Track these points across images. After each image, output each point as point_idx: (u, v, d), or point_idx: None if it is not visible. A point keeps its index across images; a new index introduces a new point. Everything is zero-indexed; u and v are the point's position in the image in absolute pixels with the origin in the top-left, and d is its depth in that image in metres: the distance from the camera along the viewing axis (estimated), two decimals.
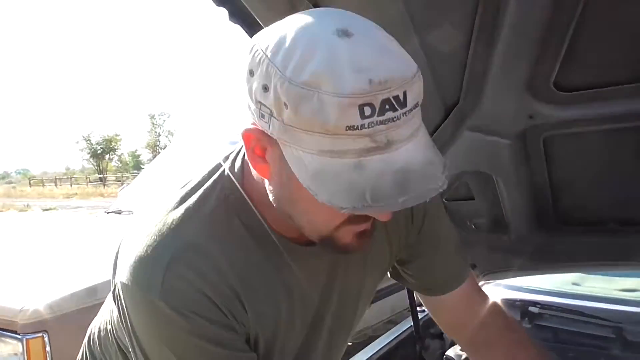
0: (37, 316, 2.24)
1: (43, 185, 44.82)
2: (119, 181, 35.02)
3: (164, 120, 57.58)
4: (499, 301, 1.09)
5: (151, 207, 0.82)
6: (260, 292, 0.80)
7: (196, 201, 0.78)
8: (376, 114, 0.58)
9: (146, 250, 0.74)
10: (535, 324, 1.67)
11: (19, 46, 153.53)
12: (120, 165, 60.18)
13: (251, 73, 0.64)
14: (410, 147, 0.62)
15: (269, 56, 0.62)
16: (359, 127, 0.58)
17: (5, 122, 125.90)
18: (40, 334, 2.21)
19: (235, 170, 0.80)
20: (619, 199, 1.30)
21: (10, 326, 2.25)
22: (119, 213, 3.72)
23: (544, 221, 1.41)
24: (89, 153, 56.57)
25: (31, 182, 51.05)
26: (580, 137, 1.19)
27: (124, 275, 0.75)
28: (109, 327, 0.94)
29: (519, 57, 1.01)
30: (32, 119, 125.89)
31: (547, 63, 1.01)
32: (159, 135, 56.74)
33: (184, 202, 0.79)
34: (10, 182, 59.54)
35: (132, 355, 0.80)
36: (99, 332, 1.00)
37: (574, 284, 1.88)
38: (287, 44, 0.61)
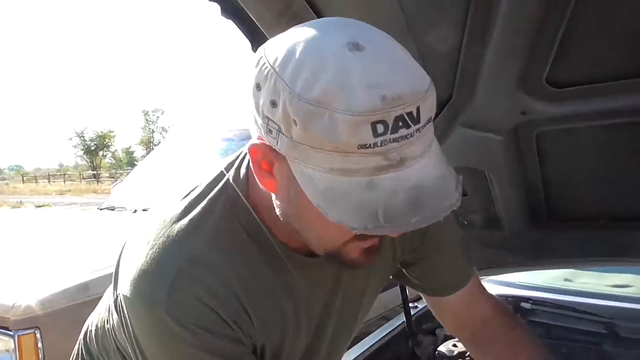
0: (29, 312, 2.23)
1: (36, 182, 44.73)
2: (113, 178, 34.81)
3: (158, 117, 57.36)
4: None
5: (153, 215, 0.80)
6: (267, 304, 0.79)
7: (200, 212, 0.76)
8: (389, 132, 0.57)
9: (150, 264, 0.73)
10: (527, 320, 1.68)
11: (11, 41, 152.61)
12: (114, 161, 59.97)
13: (258, 87, 0.62)
14: (424, 164, 0.61)
15: (277, 70, 0.60)
16: (372, 146, 0.57)
17: None
18: (32, 330, 2.21)
19: (240, 179, 0.78)
20: (611, 196, 1.30)
21: (2, 322, 2.25)
22: (112, 209, 3.71)
23: (536, 217, 1.42)
24: (82, 149, 56.38)
25: (24, 178, 50.87)
26: (572, 133, 1.19)
27: (127, 288, 0.74)
28: (107, 326, 0.92)
29: (511, 54, 1.01)
30: (25, 115, 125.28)
31: (539, 59, 1.01)
32: (153, 131, 56.58)
33: (188, 213, 0.76)
34: (3, 179, 59.30)
35: None
36: (97, 329, 0.99)
37: (565, 280, 1.89)
38: (295, 58, 0.59)
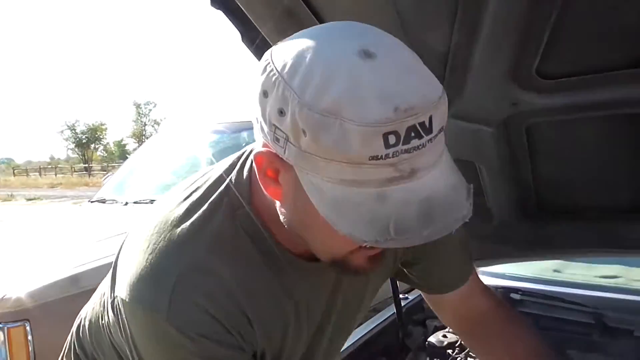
0: (19, 305, 2.21)
1: (27, 175, 44.36)
2: (105, 171, 34.61)
3: (150, 110, 56.94)
4: None
5: (153, 216, 0.78)
6: (268, 310, 0.78)
7: (202, 216, 0.75)
8: (401, 143, 0.55)
9: (151, 269, 0.72)
10: (517, 311, 1.69)
11: (1, 34, 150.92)
12: (106, 154, 59.59)
13: (265, 94, 0.60)
14: (435, 174, 0.60)
15: (285, 78, 0.58)
16: (383, 157, 0.56)
17: None
18: (22, 323, 2.19)
19: (242, 183, 0.77)
20: (600, 187, 1.31)
21: None
22: (103, 202, 3.70)
23: (527, 209, 1.42)
24: (74, 142, 55.98)
25: (15, 171, 50.44)
26: (562, 125, 1.20)
27: (126, 292, 0.73)
28: (102, 322, 0.91)
29: (501, 46, 1.01)
30: (16, 107, 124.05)
31: (529, 51, 1.01)
32: (145, 124, 56.24)
33: (189, 217, 0.75)
34: None
35: None
36: (90, 323, 0.97)
37: (554, 270, 1.90)
38: (305, 65, 0.58)
